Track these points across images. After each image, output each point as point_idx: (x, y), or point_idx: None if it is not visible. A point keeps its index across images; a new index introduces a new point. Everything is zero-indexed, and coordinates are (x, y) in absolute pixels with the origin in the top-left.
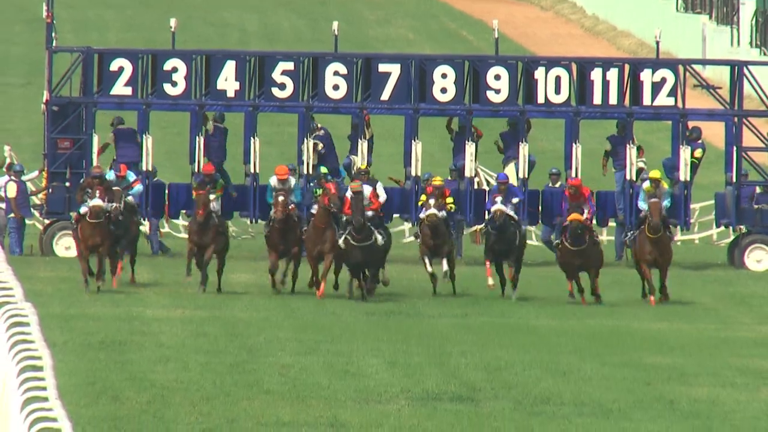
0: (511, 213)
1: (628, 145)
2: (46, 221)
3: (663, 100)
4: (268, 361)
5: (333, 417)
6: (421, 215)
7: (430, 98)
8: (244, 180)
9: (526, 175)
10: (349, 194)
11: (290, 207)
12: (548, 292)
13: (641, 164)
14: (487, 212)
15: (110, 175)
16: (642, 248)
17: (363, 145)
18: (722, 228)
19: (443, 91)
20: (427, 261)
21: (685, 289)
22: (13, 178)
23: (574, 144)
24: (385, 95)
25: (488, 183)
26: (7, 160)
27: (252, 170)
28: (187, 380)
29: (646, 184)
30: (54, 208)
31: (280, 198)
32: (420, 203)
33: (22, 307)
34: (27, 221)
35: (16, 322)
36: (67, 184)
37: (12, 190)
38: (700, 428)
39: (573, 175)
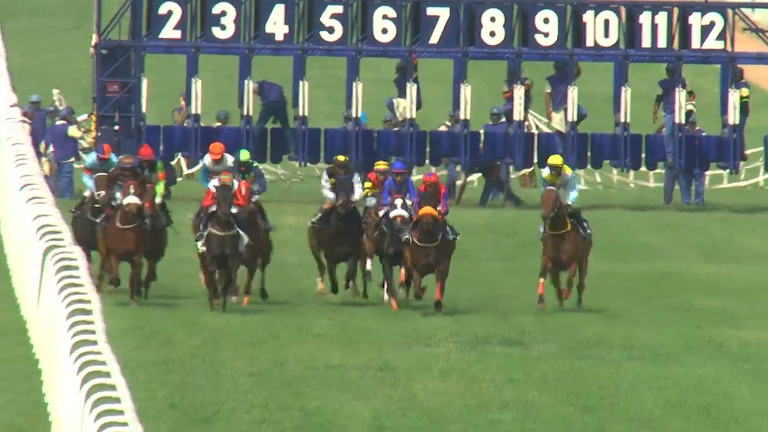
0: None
1: (677, 89)
2: None
3: (712, 43)
4: (318, 304)
5: (382, 360)
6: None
7: (479, 42)
8: (293, 123)
9: (575, 119)
10: (214, 185)
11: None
12: (595, 234)
13: (690, 107)
14: (386, 207)
15: (91, 158)
16: (545, 245)
17: (412, 89)
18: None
19: (492, 34)
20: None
21: (735, 233)
22: (62, 121)
23: (623, 87)
24: (434, 39)
25: (537, 128)
26: (57, 105)
27: (301, 113)
28: (237, 324)
29: (546, 172)
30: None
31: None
32: (368, 193)
33: (70, 251)
34: (75, 165)
35: (65, 266)
36: (116, 127)
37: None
38: (749, 371)
39: (622, 119)
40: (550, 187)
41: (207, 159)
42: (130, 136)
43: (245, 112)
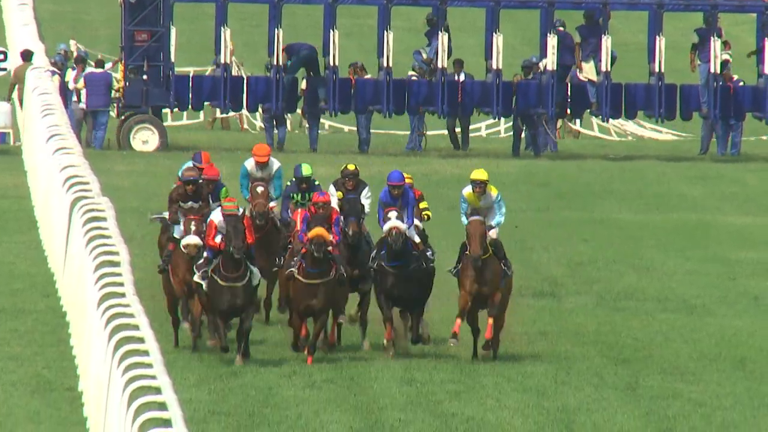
0: (414, 236)
1: (712, 38)
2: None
3: None
4: None
5: None
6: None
7: None
8: (324, 73)
9: (609, 69)
10: (218, 218)
11: (270, 206)
12: (629, 185)
13: (726, 56)
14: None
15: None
16: (463, 272)
17: (444, 38)
18: None
19: None
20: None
21: None
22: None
23: (657, 36)
24: None
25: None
26: (74, 54)
27: (331, 63)
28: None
29: (467, 190)
30: (131, 101)
31: (259, 189)
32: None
33: (98, 202)
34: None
35: (93, 217)
36: (144, 77)
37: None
38: None
39: (656, 69)
40: (476, 217)
41: (249, 163)
42: (158, 86)
43: (275, 62)
